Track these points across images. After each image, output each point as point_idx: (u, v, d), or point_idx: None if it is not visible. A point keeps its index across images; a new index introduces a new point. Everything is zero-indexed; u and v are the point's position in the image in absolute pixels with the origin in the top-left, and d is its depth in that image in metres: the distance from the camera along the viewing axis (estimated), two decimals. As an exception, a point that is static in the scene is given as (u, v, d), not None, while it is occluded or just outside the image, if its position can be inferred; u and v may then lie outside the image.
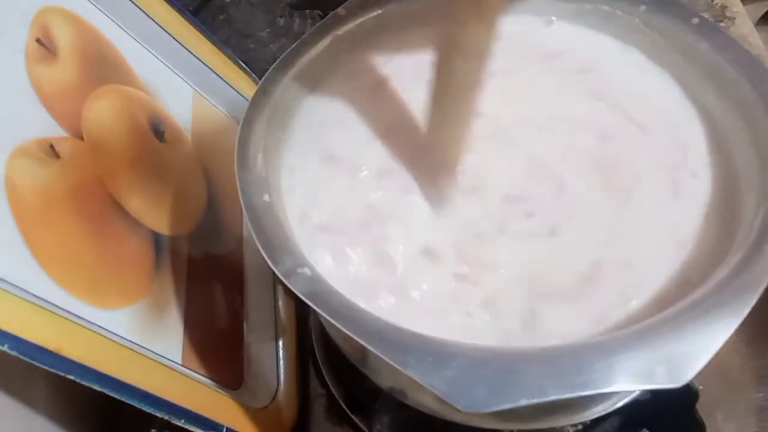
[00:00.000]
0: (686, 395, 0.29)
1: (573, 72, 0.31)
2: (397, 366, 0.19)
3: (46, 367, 0.23)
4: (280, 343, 0.36)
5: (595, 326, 0.23)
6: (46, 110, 0.28)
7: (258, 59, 0.45)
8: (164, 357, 0.28)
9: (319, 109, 0.31)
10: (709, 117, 0.28)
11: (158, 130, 0.35)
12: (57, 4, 0.31)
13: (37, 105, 0.28)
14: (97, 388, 0.24)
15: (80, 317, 0.25)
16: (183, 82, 0.39)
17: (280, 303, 0.37)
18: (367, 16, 0.31)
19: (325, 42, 0.30)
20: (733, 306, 0.20)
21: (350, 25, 0.31)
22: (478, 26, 0.23)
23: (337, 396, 0.33)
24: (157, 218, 0.32)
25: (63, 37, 0.31)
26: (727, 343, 0.19)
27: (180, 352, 0.29)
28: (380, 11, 0.31)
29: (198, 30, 0.40)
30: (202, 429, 0.27)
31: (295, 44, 0.30)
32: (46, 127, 0.28)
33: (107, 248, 0.28)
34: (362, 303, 0.22)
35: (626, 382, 0.19)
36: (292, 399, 0.34)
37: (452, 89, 0.25)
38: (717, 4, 0.48)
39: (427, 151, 0.27)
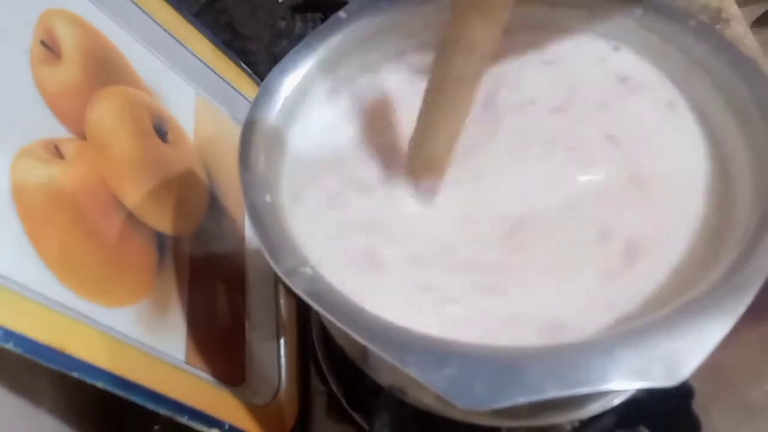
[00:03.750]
0: (682, 393, 0.29)
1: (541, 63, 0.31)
2: (397, 364, 0.19)
3: (50, 365, 0.23)
4: (282, 341, 0.36)
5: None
6: (51, 111, 0.28)
7: (260, 61, 0.45)
8: (167, 355, 0.29)
9: (321, 109, 0.31)
10: (705, 118, 0.28)
11: (161, 131, 0.35)
12: (61, 7, 0.32)
13: (42, 106, 0.28)
14: (100, 385, 0.24)
15: (84, 316, 0.25)
16: (185, 84, 0.39)
17: (281, 302, 0.37)
18: (368, 19, 0.31)
19: (327, 44, 0.30)
20: (728, 305, 0.20)
21: (352, 28, 0.31)
22: (482, 26, 0.22)
23: (337, 393, 0.33)
24: (160, 218, 0.32)
25: (67, 39, 0.31)
26: (722, 341, 0.19)
27: (183, 350, 0.30)
28: (381, 14, 0.31)
29: (200, 32, 0.40)
30: (204, 426, 0.28)
31: (297, 45, 0.30)
32: (50, 128, 0.28)
33: (111, 248, 0.29)
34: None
35: (623, 380, 0.19)
36: (293, 396, 0.34)
37: (448, 84, 0.24)
38: (712, 6, 0.48)
39: (415, 149, 0.27)
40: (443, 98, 0.25)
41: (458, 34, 0.23)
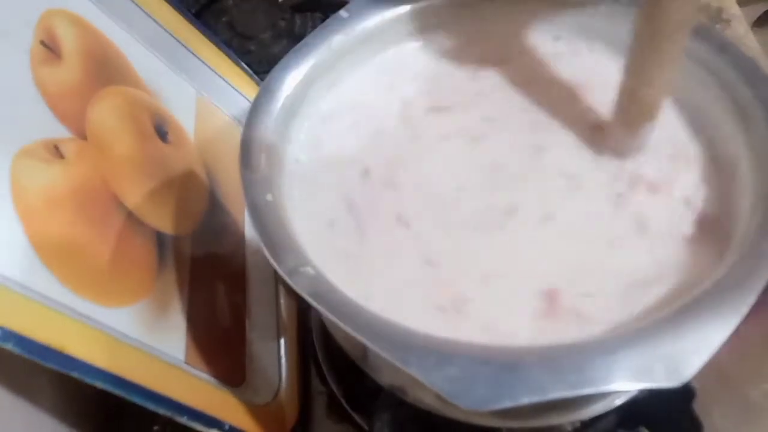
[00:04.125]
0: (683, 394, 0.29)
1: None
2: (398, 364, 0.19)
3: (50, 366, 0.23)
4: (282, 341, 0.36)
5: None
6: (51, 111, 0.28)
7: (260, 61, 0.45)
8: (167, 355, 0.28)
9: (322, 109, 0.31)
10: (705, 118, 0.28)
11: (161, 131, 0.35)
12: (61, 7, 0.32)
13: (42, 106, 0.28)
14: (100, 385, 0.24)
15: (84, 316, 0.25)
16: (186, 84, 0.39)
17: (281, 301, 0.37)
18: (368, 19, 0.31)
19: (328, 43, 0.30)
20: (731, 305, 0.20)
21: (352, 27, 0.31)
22: None
23: (337, 393, 0.33)
24: (161, 218, 0.32)
25: (67, 39, 0.31)
26: (724, 342, 0.19)
27: (183, 350, 0.30)
28: (382, 14, 0.31)
29: (200, 32, 0.40)
30: (204, 426, 0.28)
31: (297, 45, 0.30)
32: (50, 128, 0.28)
33: (111, 247, 0.28)
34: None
35: (625, 380, 0.19)
36: (293, 396, 0.34)
37: (669, 28, 0.24)
38: (713, 6, 0.48)
39: (630, 96, 0.27)
40: (666, 43, 0.25)
41: None
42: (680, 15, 0.24)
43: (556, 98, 0.30)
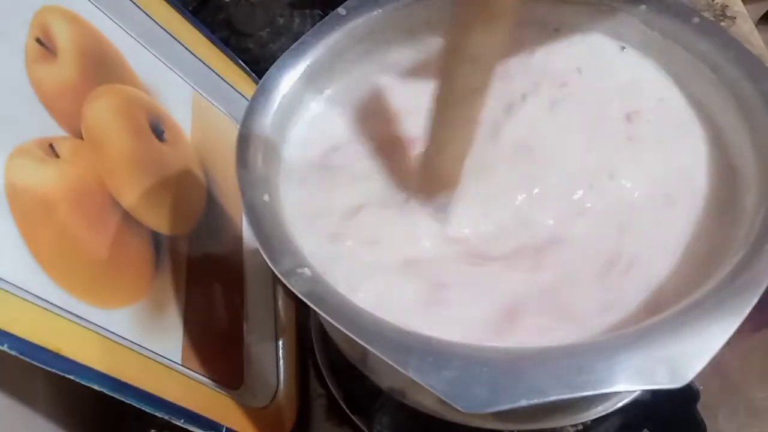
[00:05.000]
0: (687, 395, 0.29)
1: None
2: (397, 366, 0.19)
3: (46, 367, 0.23)
4: (280, 343, 0.36)
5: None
6: (46, 110, 0.28)
7: (258, 59, 0.45)
8: (164, 357, 0.28)
9: (319, 108, 0.31)
10: (709, 116, 0.28)
11: (158, 129, 0.35)
12: (56, 4, 0.31)
13: (37, 105, 0.28)
14: (96, 387, 0.24)
15: (80, 317, 0.25)
16: (183, 82, 0.39)
17: (279, 303, 0.37)
18: (367, 16, 0.31)
19: (326, 42, 0.30)
20: (733, 306, 0.20)
21: (350, 25, 0.31)
22: (486, 36, 0.22)
23: (336, 396, 0.33)
24: (157, 218, 0.32)
25: (63, 36, 0.31)
26: (727, 343, 0.19)
27: (180, 352, 0.29)
28: (381, 11, 0.31)
29: (198, 29, 0.40)
30: (201, 429, 0.27)
31: (295, 44, 0.30)
32: (45, 126, 0.28)
33: (107, 248, 0.28)
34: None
35: (627, 382, 0.19)
36: (292, 399, 0.34)
37: (456, 95, 0.24)
38: (717, 3, 0.48)
39: (426, 164, 0.27)
40: (451, 111, 0.24)
41: (462, 45, 0.22)
42: (469, 82, 0.23)
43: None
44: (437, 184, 0.27)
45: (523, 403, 0.18)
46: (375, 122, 0.30)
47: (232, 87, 0.42)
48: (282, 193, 0.27)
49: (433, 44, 0.32)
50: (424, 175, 0.27)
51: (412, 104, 0.29)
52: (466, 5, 0.22)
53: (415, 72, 0.32)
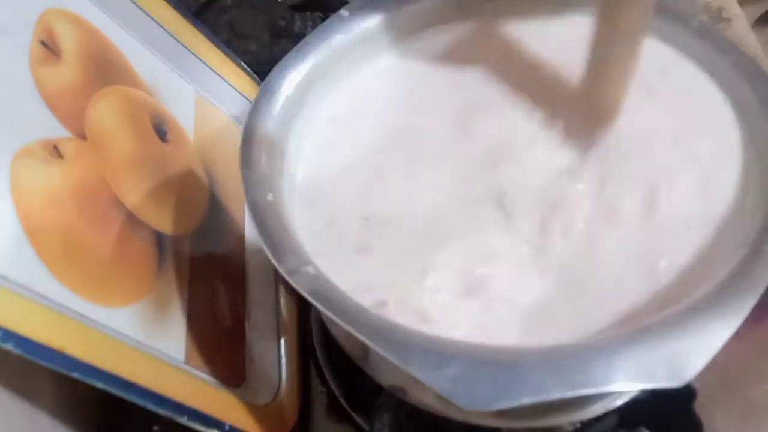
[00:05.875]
0: (684, 394, 0.29)
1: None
2: (399, 364, 0.19)
3: (49, 366, 0.23)
4: (282, 341, 0.36)
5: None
6: (50, 111, 0.28)
7: (260, 60, 0.45)
8: (167, 355, 0.28)
9: (322, 108, 0.31)
10: (707, 116, 0.28)
11: (161, 130, 0.35)
12: (60, 6, 0.32)
13: (41, 106, 0.28)
14: (100, 386, 0.24)
15: (84, 316, 0.25)
16: (185, 84, 0.39)
17: (281, 301, 0.37)
18: (369, 18, 0.31)
19: (327, 43, 0.30)
20: (733, 306, 0.20)
21: (352, 27, 0.31)
22: None
23: (338, 394, 0.33)
24: (160, 218, 0.32)
25: (67, 38, 0.31)
26: (726, 343, 0.19)
27: (183, 351, 0.30)
28: (383, 13, 0.31)
29: (200, 31, 0.40)
30: (204, 426, 0.27)
31: (296, 45, 0.30)
32: (49, 127, 0.28)
33: (110, 247, 0.28)
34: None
35: (626, 381, 0.19)
36: (293, 397, 0.34)
37: (619, 38, 0.25)
38: (713, 6, 0.48)
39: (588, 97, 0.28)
40: (616, 49, 0.26)
41: None
42: (637, 14, 0.24)
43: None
44: (597, 119, 0.27)
45: (525, 401, 0.19)
46: (376, 122, 0.30)
47: (235, 88, 0.42)
48: (285, 193, 0.27)
49: (437, 45, 0.32)
50: (582, 111, 0.28)
51: (414, 103, 0.29)
52: None
53: (417, 71, 0.32)
